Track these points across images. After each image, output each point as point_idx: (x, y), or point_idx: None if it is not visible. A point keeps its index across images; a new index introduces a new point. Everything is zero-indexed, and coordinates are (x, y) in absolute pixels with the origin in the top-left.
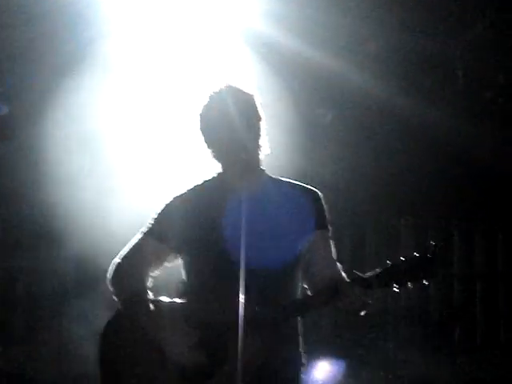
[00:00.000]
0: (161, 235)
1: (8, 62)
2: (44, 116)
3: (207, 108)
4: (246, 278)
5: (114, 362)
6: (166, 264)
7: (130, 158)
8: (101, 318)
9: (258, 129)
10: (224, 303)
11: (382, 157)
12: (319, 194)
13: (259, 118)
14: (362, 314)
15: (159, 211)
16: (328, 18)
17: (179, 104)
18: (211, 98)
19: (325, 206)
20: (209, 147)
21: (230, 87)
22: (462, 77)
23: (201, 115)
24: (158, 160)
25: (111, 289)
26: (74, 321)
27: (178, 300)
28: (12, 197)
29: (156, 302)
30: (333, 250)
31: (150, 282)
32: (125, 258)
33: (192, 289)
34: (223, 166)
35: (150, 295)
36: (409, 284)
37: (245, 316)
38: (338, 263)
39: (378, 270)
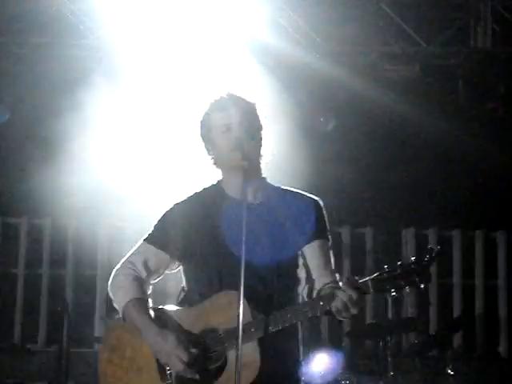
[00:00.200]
0: (162, 243)
1: (12, 70)
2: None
3: (208, 115)
4: (245, 285)
5: (113, 367)
6: (167, 271)
7: (132, 165)
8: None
9: (260, 137)
10: (224, 312)
11: (384, 166)
12: (320, 202)
13: (260, 126)
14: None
15: (160, 219)
16: (331, 27)
17: (182, 112)
18: (212, 105)
19: (325, 216)
20: (209, 154)
21: (231, 95)
22: (463, 87)
23: (201, 122)
24: (158, 167)
25: (112, 296)
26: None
27: (177, 308)
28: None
29: (156, 310)
30: (331, 259)
31: (150, 290)
32: (125, 264)
33: (193, 296)
34: (224, 174)
35: (151, 302)
36: (406, 288)
37: (244, 324)
38: (336, 273)
39: (375, 275)
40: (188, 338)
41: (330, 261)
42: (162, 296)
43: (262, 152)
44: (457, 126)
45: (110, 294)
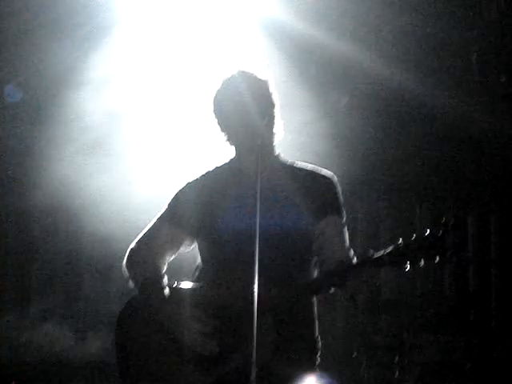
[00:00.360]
0: (176, 220)
1: (20, 48)
2: (55, 104)
3: (220, 93)
4: (260, 262)
5: (129, 346)
6: (182, 249)
7: (144, 145)
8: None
9: (272, 114)
10: (239, 288)
11: (397, 142)
12: (334, 179)
13: (273, 104)
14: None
15: (174, 197)
16: (343, 3)
17: (193, 91)
18: (224, 82)
19: (340, 192)
20: (222, 131)
21: (243, 73)
22: (476, 62)
23: (214, 100)
24: (171, 147)
25: (127, 274)
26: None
27: (193, 285)
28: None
29: (172, 287)
30: (346, 236)
31: (165, 267)
32: (140, 243)
33: (207, 274)
34: (237, 151)
35: (166, 280)
36: (421, 262)
37: (259, 300)
38: (350, 250)
39: (390, 249)
40: (204, 314)
41: (344, 236)
42: (177, 273)
43: (274, 129)
44: (470, 101)
45: (126, 272)
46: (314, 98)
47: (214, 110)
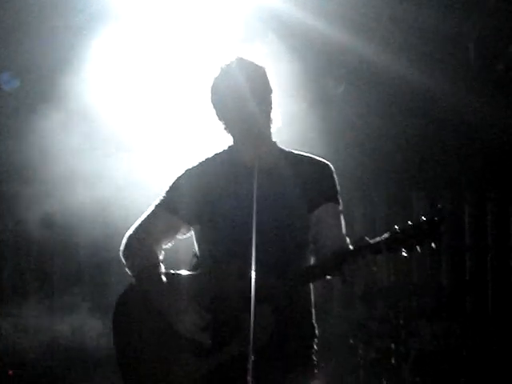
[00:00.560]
0: (173, 207)
1: (16, 36)
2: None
3: (218, 80)
4: (257, 250)
5: (127, 334)
6: (179, 237)
7: (141, 134)
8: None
9: (270, 102)
10: (236, 276)
11: (393, 129)
12: (331, 166)
13: (270, 91)
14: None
15: (171, 184)
16: None
17: (190, 80)
18: (222, 70)
19: (336, 180)
20: (220, 119)
21: (240, 60)
22: (474, 49)
23: (212, 87)
24: (169, 133)
25: (124, 261)
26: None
27: (190, 273)
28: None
29: (169, 275)
30: (342, 223)
31: (162, 255)
32: (137, 230)
33: (204, 262)
34: (234, 139)
35: (163, 268)
36: (417, 248)
37: (257, 288)
38: (346, 237)
39: (386, 235)
40: (200, 303)
41: (340, 224)
42: (173, 261)
43: (272, 117)
44: (467, 89)
45: (122, 259)
46: (311, 87)
47: (212, 98)
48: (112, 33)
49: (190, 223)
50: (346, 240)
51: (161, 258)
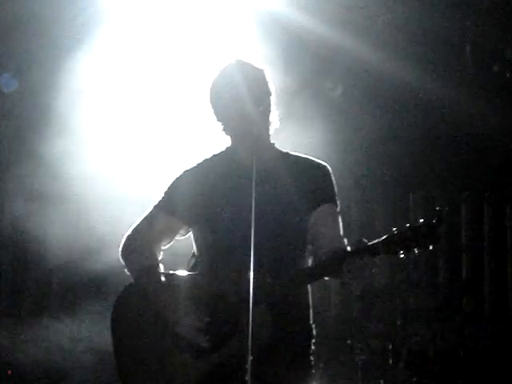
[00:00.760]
0: (171, 209)
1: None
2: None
3: (217, 82)
4: (256, 251)
5: (125, 334)
6: (177, 237)
7: (140, 133)
8: None
9: (268, 103)
10: (234, 276)
11: (390, 131)
12: (328, 168)
13: (269, 93)
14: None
15: (170, 185)
16: None
17: (191, 80)
18: (221, 72)
19: (334, 181)
20: (218, 120)
21: (239, 62)
22: (470, 51)
23: (210, 89)
24: (167, 133)
25: (122, 262)
26: None
27: (188, 273)
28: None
29: (168, 275)
30: (340, 224)
31: (161, 255)
32: (136, 231)
33: (203, 262)
34: (233, 140)
35: (162, 268)
36: (415, 250)
37: (255, 289)
38: (344, 238)
39: (384, 237)
40: (199, 305)
41: (338, 225)
42: (171, 262)
43: (270, 118)
44: (464, 90)
45: (121, 260)
46: (309, 88)
47: (211, 99)
48: (110, 35)
49: (188, 224)
50: (343, 241)
51: (159, 258)
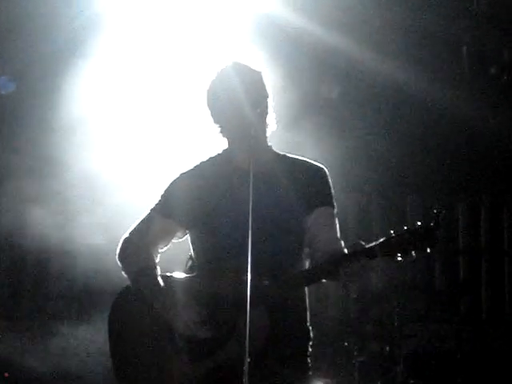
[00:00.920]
0: (168, 211)
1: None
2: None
3: (214, 84)
4: (253, 253)
5: (123, 336)
6: (174, 240)
7: (137, 135)
8: None
9: (265, 106)
10: (232, 278)
11: (387, 134)
12: (325, 170)
13: (266, 95)
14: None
15: (167, 188)
16: None
17: (189, 82)
18: (218, 74)
19: (330, 184)
20: (215, 123)
21: (236, 64)
22: (467, 53)
23: (208, 91)
24: (164, 137)
25: (120, 264)
26: None
27: (186, 275)
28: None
29: (165, 278)
30: (337, 227)
31: (158, 258)
32: (133, 233)
33: (200, 264)
34: (229, 142)
35: (159, 271)
36: (413, 253)
37: (252, 291)
38: (341, 241)
39: (381, 240)
40: (197, 303)
41: (335, 228)
42: (168, 264)
43: (267, 121)
44: (460, 92)
45: (119, 263)
46: (306, 91)
47: (208, 102)
48: (107, 38)
49: (185, 227)
50: (340, 244)
51: (157, 260)
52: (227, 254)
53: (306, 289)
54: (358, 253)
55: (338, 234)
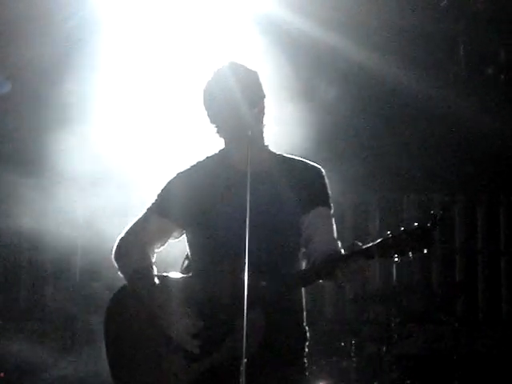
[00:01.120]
0: (164, 211)
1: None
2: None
3: (210, 84)
4: (249, 253)
5: (118, 336)
6: (171, 239)
7: (134, 135)
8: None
9: (262, 106)
10: (228, 279)
11: (384, 132)
12: (322, 170)
13: (263, 95)
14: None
15: (164, 187)
16: None
17: (185, 81)
18: (214, 74)
19: (327, 183)
20: (212, 123)
21: (233, 64)
22: (464, 53)
23: (204, 91)
24: (161, 136)
25: (116, 264)
26: None
27: (182, 275)
28: None
29: (161, 278)
30: (333, 227)
31: (154, 258)
32: (129, 233)
33: (197, 264)
34: (226, 142)
35: (155, 271)
36: (409, 254)
37: (249, 291)
38: (338, 241)
39: (378, 241)
40: (193, 308)
41: (332, 228)
42: (164, 264)
43: (264, 121)
44: (457, 91)
45: (114, 263)
46: (303, 90)
47: (204, 102)
48: (103, 37)
49: (182, 226)
50: (337, 244)
51: (153, 260)
52: (224, 254)
53: (303, 289)
54: (355, 253)
55: (335, 235)
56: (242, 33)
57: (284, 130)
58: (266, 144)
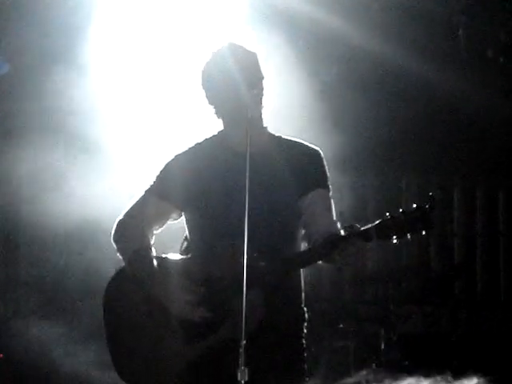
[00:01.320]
0: (163, 193)
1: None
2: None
3: (209, 65)
4: (248, 235)
5: (117, 318)
6: (170, 221)
7: (133, 116)
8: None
9: (261, 87)
10: (227, 260)
11: (383, 116)
12: (320, 152)
13: (261, 77)
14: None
15: (162, 169)
16: None
17: (184, 63)
18: (213, 55)
19: (326, 165)
20: (210, 104)
21: (232, 45)
22: (464, 35)
23: (203, 72)
24: (160, 117)
25: (115, 246)
26: None
27: (181, 257)
28: None
29: (160, 259)
30: (332, 209)
31: (153, 239)
32: (128, 215)
33: (195, 245)
34: (225, 124)
35: (154, 252)
36: (408, 235)
37: (248, 272)
38: (337, 223)
39: (377, 222)
40: (190, 287)
41: (331, 209)
42: (163, 245)
43: (263, 102)
44: (457, 74)
45: (114, 244)
46: (303, 75)
47: (203, 83)
48: (101, 26)
49: (180, 208)
50: (336, 226)
51: (152, 242)
52: (222, 235)
53: (302, 270)
54: (353, 235)
55: (334, 216)
56: (241, 15)
57: (282, 114)
58: (264, 126)
